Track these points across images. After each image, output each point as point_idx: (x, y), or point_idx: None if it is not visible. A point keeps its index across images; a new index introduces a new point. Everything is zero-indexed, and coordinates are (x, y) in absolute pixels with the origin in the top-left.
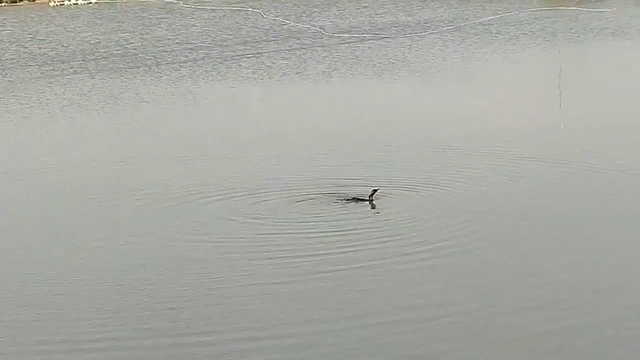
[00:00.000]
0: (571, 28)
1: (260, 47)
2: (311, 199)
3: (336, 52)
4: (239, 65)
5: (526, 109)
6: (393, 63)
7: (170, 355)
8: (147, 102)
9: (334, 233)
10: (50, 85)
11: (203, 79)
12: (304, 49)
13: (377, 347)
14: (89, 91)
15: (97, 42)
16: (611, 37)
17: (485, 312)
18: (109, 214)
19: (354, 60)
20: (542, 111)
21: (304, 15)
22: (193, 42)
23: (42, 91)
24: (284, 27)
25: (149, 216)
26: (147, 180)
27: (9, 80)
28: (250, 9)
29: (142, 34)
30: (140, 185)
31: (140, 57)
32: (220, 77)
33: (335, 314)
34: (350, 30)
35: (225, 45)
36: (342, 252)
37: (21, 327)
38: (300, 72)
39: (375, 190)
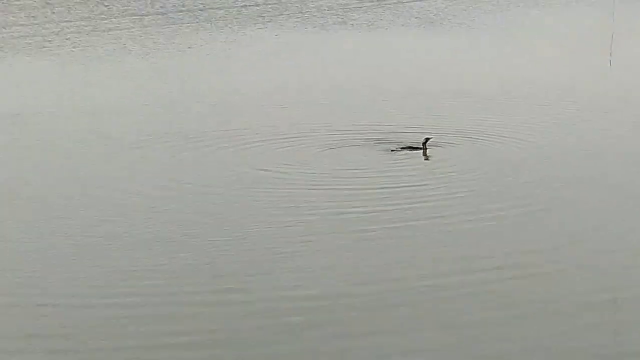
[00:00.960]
0: None
1: None
2: (357, 146)
3: (381, 4)
4: (282, 14)
5: (574, 63)
6: (437, 15)
7: (211, 313)
8: (191, 48)
9: (384, 183)
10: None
11: (250, 27)
12: None
13: (422, 313)
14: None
15: None
16: None
17: (550, 275)
18: (142, 160)
19: (397, 12)
20: (590, 64)
21: None
22: None
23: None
24: None
25: (179, 164)
26: (181, 126)
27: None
28: None
29: None
30: (173, 131)
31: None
32: (263, 27)
33: (381, 275)
34: None
35: None
36: (394, 207)
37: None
38: (344, 22)
39: (428, 139)
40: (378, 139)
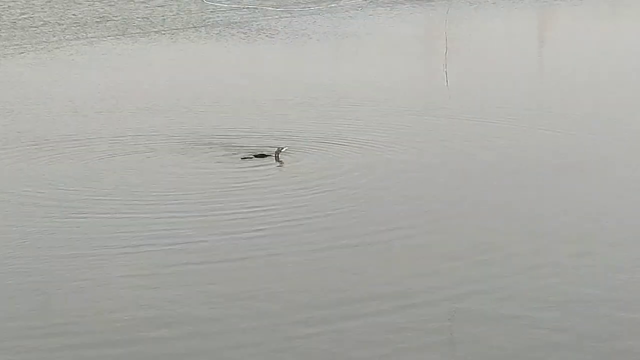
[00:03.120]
0: None
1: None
2: (205, 152)
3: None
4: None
5: (415, 69)
6: (275, 30)
7: None
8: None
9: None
10: None
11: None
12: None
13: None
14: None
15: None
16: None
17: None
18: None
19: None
20: (429, 70)
21: None
22: None
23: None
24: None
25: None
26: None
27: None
28: None
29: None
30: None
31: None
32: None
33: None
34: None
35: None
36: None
37: None
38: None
39: (281, 149)
40: (229, 145)
